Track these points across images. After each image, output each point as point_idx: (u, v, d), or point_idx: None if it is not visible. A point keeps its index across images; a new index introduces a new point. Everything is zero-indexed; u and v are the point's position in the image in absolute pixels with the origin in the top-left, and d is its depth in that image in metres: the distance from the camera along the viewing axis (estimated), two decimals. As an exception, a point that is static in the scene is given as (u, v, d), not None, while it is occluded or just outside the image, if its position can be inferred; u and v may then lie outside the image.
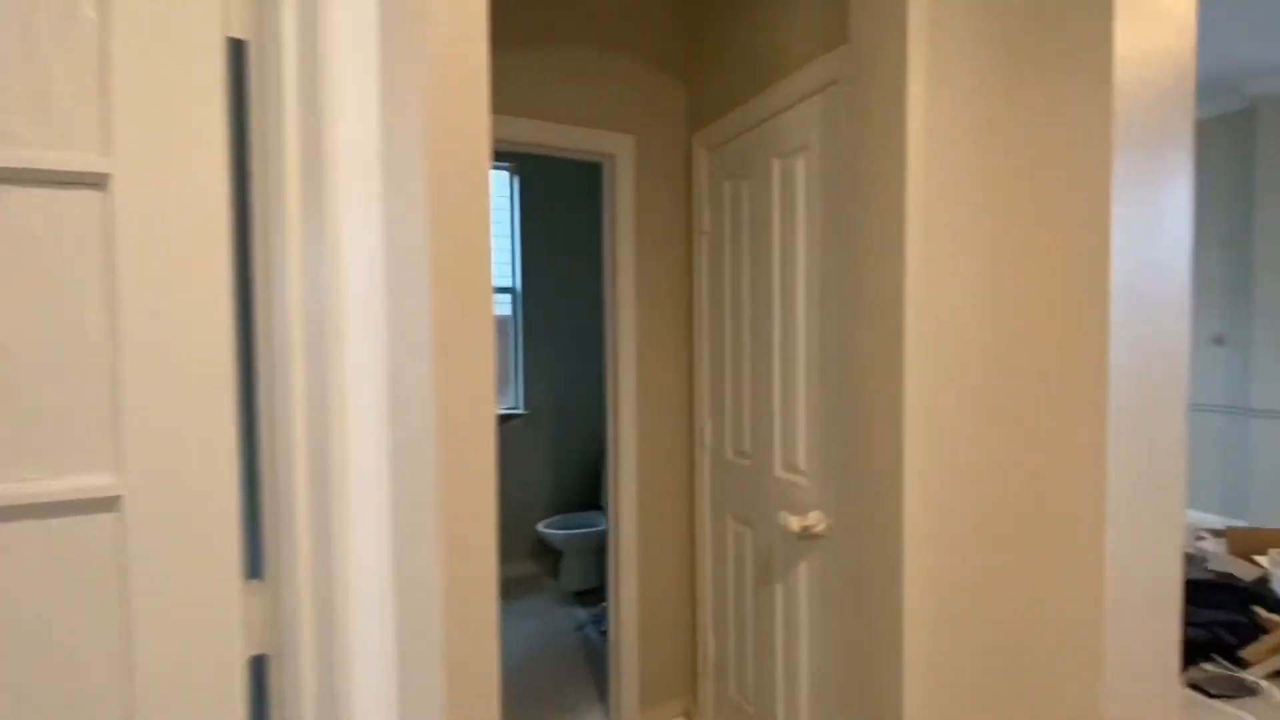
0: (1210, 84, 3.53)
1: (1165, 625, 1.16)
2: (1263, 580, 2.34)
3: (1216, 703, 2.01)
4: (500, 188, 3.75)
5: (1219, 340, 3.73)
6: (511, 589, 3.64)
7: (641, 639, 2.11)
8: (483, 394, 0.86)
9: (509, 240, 3.76)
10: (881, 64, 1.23)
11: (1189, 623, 2.30)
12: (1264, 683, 2.02)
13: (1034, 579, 1.10)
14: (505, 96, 1.94)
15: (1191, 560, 2.60)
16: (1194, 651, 2.30)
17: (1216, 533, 2.74)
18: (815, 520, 1.41)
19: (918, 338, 1.15)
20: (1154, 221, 1.03)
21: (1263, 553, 2.40)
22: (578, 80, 2.05)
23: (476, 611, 0.85)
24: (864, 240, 1.26)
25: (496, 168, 3.69)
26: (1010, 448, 1.13)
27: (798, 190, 1.56)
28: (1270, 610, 2.22)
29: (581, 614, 3.31)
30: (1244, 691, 2.06)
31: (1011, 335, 1.15)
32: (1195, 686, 2.12)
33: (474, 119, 0.88)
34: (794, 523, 1.40)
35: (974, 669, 1.16)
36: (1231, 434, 3.62)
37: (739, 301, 1.80)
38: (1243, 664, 2.18)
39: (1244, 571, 2.41)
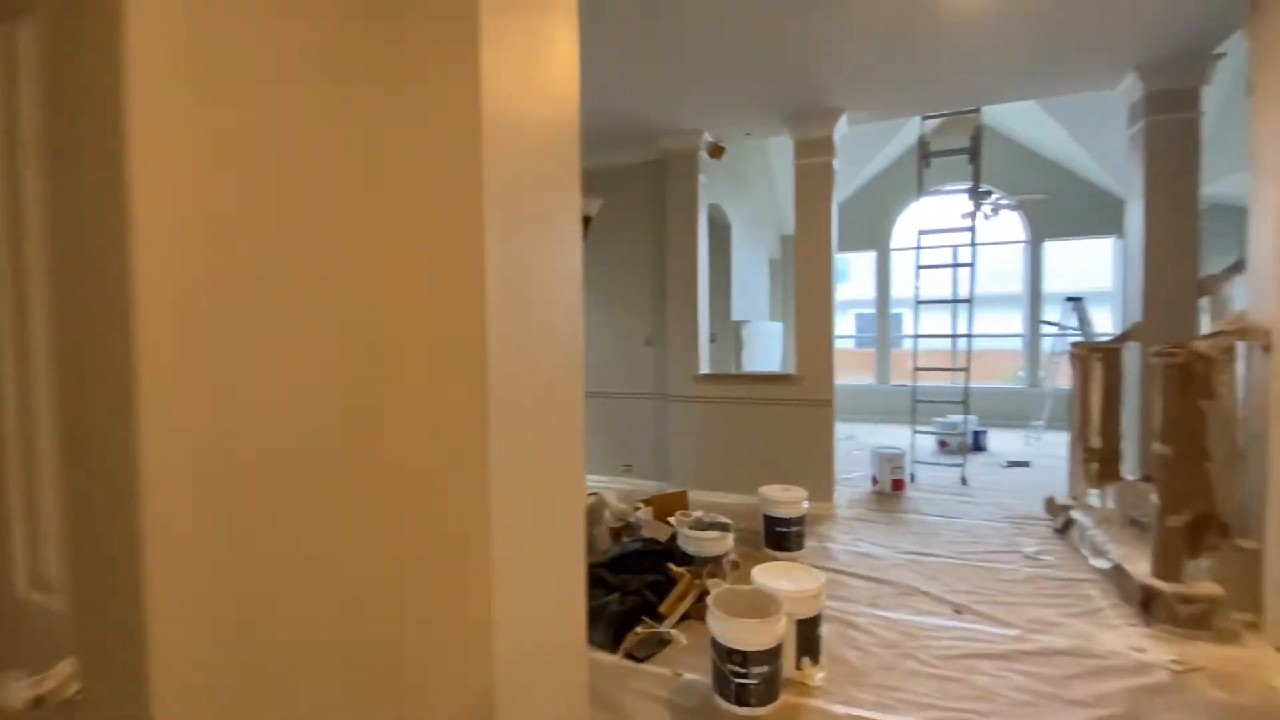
0: (633, 137, 4.38)
1: (570, 634, 1.02)
2: (674, 538, 2.72)
3: (644, 665, 2.20)
4: None
5: (649, 342, 4.70)
6: None
7: None
8: None
9: None
10: None
11: (625, 593, 2.52)
12: (674, 631, 2.33)
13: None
14: None
15: (630, 530, 2.95)
16: (629, 620, 2.49)
17: (649, 502, 3.16)
18: (62, 676, 0.73)
19: (157, 340, 0.64)
20: (537, 256, 0.96)
21: (674, 514, 2.83)
22: None
23: None
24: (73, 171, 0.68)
25: None
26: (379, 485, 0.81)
27: (19, 86, 0.85)
28: (679, 564, 2.60)
29: None
30: (662, 646, 2.31)
31: (371, 346, 0.81)
32: (629, 655, 2.28)
33: None
34: (21, 694, 0.70)
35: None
36: (658, 415, 4.59)
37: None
38: (662, 618, 2.45)
39: (661, 534, 2.80)
